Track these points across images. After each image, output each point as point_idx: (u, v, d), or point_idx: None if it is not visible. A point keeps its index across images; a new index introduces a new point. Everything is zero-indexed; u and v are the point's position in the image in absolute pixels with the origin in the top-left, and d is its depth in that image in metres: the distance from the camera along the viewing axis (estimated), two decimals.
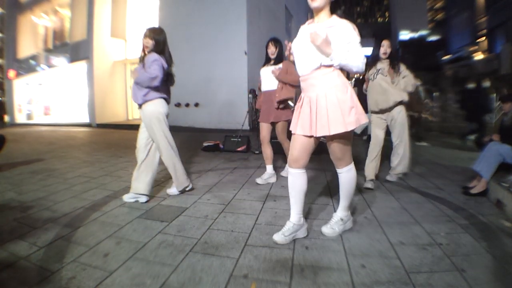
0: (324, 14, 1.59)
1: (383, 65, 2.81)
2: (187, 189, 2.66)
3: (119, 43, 12.71)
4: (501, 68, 11.71)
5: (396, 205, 2.30)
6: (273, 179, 3.05)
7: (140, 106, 2.41)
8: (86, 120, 12.33)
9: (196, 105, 10.12)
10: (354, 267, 1.43)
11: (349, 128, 1.55)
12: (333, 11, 1.61)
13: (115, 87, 12.61)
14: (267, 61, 3.03)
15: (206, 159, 4.35)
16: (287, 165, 3.05)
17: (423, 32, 37.82)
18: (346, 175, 1.74)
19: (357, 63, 1.52)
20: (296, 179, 1.70)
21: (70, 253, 1.57)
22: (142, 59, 2.41)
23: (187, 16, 9.91)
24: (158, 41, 2.38)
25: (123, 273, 1.39)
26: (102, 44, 11.98)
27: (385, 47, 2.78)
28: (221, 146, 5.12)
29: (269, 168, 3.08)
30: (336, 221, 1.83)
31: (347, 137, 1.65)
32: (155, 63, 2.29)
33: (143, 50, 2.43)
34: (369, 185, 2.73)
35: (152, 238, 1.75)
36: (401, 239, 1.71)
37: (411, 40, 37.42)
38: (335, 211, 2.16)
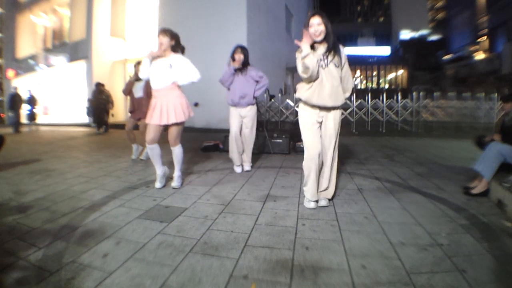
0: None
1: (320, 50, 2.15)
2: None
3: (118, 43, 12.70)
4: (502, 68, 11.70)
5: (397, 205, 2.29)
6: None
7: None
8: (85, 120, 12.33)
9: (196, 105, 10.10)
10: (354, 267, 1.43)
11: None
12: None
13: (115, 87, 12.60)
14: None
15: (206, 159, 4.34)
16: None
17: (424, 32, 37.83)
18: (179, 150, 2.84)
19: None
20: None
21: (69, 253, 1.56)
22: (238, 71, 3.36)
23: (186, 15, 9.89)
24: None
25: (123, 274, 1.38)
26: (101, 44, 11.97)
27: (315, 26, 2.06)
28: (221, 146, 5.11)
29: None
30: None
31: None
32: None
33: (237, 63, 3.31)
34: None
35: (151, 238, 1.74)
36: (402, 239, 1.71)
37: (412, 40, 37.43)
38: (335, 212, 2.17)
